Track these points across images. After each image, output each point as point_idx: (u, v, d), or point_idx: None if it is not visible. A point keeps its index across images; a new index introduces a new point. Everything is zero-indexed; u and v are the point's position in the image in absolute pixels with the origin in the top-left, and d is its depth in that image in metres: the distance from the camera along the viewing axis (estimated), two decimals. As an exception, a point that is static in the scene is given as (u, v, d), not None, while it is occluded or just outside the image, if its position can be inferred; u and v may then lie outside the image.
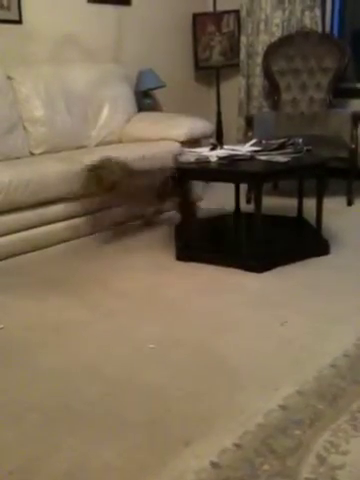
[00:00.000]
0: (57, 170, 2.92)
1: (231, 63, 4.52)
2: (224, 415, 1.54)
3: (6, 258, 2.74)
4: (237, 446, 1.41)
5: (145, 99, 4.15)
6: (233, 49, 4.51)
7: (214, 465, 1.35)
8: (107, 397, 1.65)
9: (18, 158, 3.15)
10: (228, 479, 1.30)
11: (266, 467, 1.34)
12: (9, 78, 3.28)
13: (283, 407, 1.56)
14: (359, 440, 1.41)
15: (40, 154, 3.30)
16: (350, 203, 3.64)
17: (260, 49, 4.30)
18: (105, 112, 3.66)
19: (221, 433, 1.46)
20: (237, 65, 4.47)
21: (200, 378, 1.73)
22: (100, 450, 1.42)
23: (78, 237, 3.04)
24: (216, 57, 4.51)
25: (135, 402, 1.62)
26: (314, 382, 1.68)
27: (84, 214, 3.06)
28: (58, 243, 2.96)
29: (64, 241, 2.98)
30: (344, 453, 1.38)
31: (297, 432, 1.46)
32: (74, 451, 1.42)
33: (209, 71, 4.63)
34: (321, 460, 1.36)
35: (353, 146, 3.58)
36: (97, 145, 3.57)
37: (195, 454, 1.38)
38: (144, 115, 3.86)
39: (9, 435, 1.49)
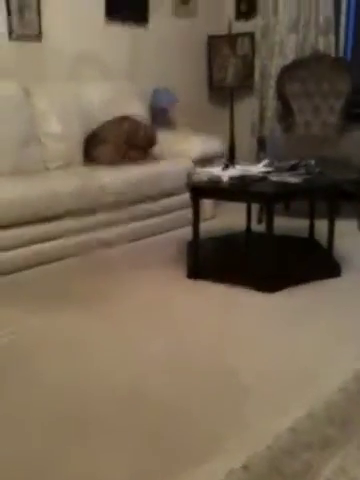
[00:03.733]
0: (70, 186, 2.95)
1: (245, 84, 4.57)
2: (232, 435, 1.53)
3: (16, 271, 2.76)
4: (245, 468, 1.39)
5: (159, 116, 4.20)
6: (247, 71, 4.56)
7: (222, 487, 1.34)
8: (114, 411, 1.64)
9: (33, 172, 3.20)
10: (236, 501, 1.29)
11: (274, 490, 1.33)
12: (27, 93, 3.34)
13: (292, 430, 1.55)
14: (369, 466, 1.40)
15: (55, 169, 3.34)
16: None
17: (274, 71, 4.35)
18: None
19: (229, 454, 1.45)
20: (251, 87, 4.52)
21: (209, 396, 1.72)
22: (106, 464, 1.42)
23: (88, 252, 3.06)
24: (230, 78, 4.57)
25: (143, 418, 1.61)
26: (324, 405, 1.66)
27: (94, 229, 3.08)
28: (68, 257, 2.97)
29: (74, 255, 3.00)
30: (353, 479, 1.36)
31: (306, 455, 1.44)
32: (80, 464, 1.42)
33: (223, 92, 4.69)
34: (330, 485, 1.34)
35: (364, 169, 3.59)
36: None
37: (203, 474, 1.37)
38: (159, 133, 3.90)
39: (14, 448, 1.49)
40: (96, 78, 3.84)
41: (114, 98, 3.73)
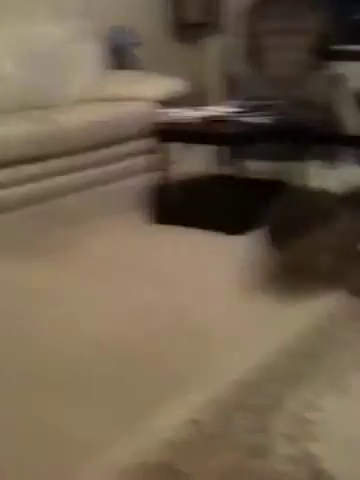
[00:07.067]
0: (22, 130, 2.80)
1: (212, 21, 4.40)
2: (199, 373, 1.54)
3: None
4: (212, 402, 1.41)
5: (120, 57, 4.02)
6: (214, 7, 4.38)
7: (190, 421, 1.34)
8: (79, 358, 1.63)
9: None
10: (204, 436, 1.30)
11: (242, 422, 1.34)
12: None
13: (260, 365, 1.56)
14: (334, 398, 1.43)
15: (5, 113, 3.15)
16: (331, 167, 3.63)
17: (242, 7, 4.19)
18: (76, 70, 3.52)
19: (196, 390, 1.46)
20: (218, 24, 4.36)
21: (177, 340, 1.73)
22: (71, 408, 1.41)
23: (50, 199, 2.95)
24: (196, 15, 4.37)
25: (110, 363, 1.61)
26: (293, 342, 1.68)
27: (50, 176, 2.96)
28: (24, 206, 2.85)
29: (31, 204, 2.88)
30: (319, 410, 1.39)
31: (273, 390, 1.46)
32: (42, 411, 1.40)
33: (189, 29, 4.50)
34: (296, 417, 1.36)
35: (334, 109, 3.56)
36: (68, 104, 3.45)
37: (171, 411, 1.38)
38: (119, 74, 3.75)
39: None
40: (48, 16, 3.60)
41: (68, 38, 3.54)
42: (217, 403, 1.41)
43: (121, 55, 4.02)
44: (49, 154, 2.91)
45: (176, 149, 3.61)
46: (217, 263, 2.26)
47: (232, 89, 3.69)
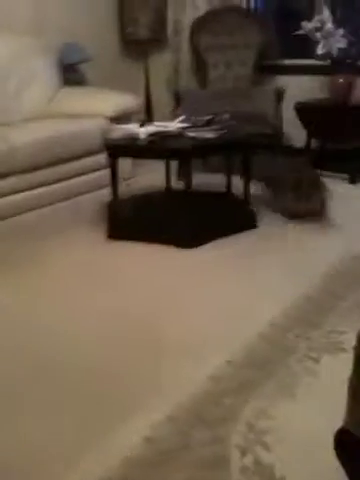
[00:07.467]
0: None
1: (158, 38, 4.46)
2: (156, 389, 1.56)
3: None
4: (169, 418, 1.44)
5: (70, 73, 4.01)
6: (160, 23, 4.44)
7: (147, 439, 1.37)
8: (40, 374, 1.64)
9: None
10: (161, 452, 1.33)
11: (198, 437, 1.38)
12: None
13: (213, 377, 1.61)
14: (285, 405, 1.49)
15: None
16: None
17: (186, 24, 4.26)
18: (27, 87, 3.51)
19: (153, 407, 1.48)
20: (165, 40, 4.42)
21: (133, 354, 1.75)
22: (31, 427, 1.41)
23: (4, 217, 2.92)
24: (143, 31, 4.41)
25: (68, 379, 1.61)
26: (243, 351, 1.73)
27: (7, 194, 2.93)
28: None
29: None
30: (271, 418, 1.44)
31: (227, 400, 1.51)
32: (8, 434, 1.40)
33: (137, 46, 4.54)
34: (250, 427, 1.41)
35: (277, 122, 3.68)
36: (20, 121, 3.43)
37: (128, 430, 1.40)
38: (70, 90, 3.74)
39: None
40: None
41: (20, 55, 3.50)
42: (174, 418, 1.44)
43: (71, 71, 4.02)
44: (3, 172, 2.89)
45: (129, 164, 3.66)
46: (171, 276, 2.30)
47: (179, 104, 3.74)
